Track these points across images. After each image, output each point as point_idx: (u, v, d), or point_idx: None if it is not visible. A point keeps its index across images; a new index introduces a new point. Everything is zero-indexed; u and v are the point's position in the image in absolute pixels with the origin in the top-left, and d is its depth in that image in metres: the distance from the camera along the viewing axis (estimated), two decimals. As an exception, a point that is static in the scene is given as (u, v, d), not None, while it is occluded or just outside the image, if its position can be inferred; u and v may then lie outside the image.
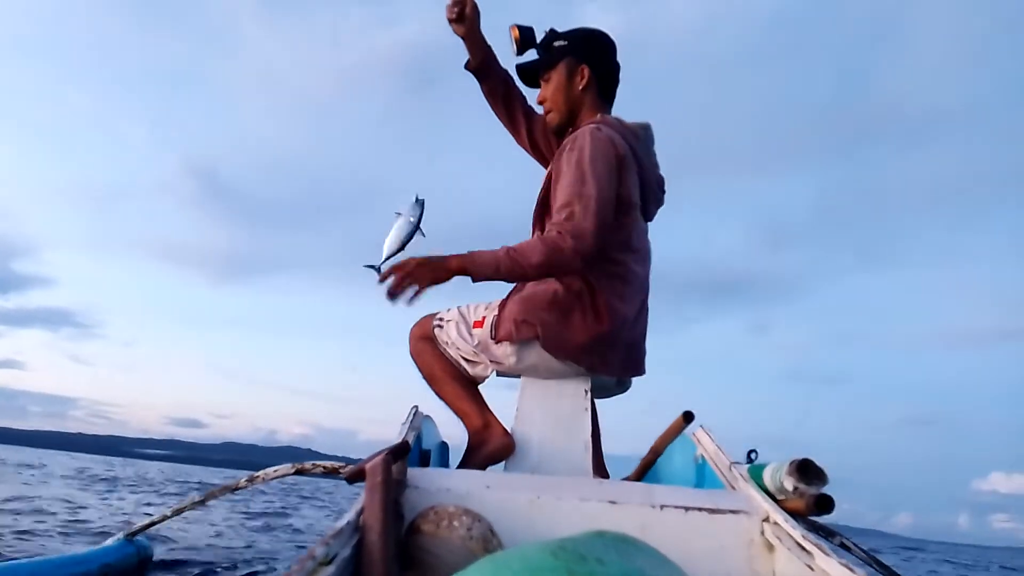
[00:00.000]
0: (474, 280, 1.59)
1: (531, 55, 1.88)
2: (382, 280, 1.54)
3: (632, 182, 1.68)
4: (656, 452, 2.06)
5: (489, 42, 1.94)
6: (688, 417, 1.99)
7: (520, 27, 1.83)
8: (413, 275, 1.54)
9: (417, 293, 1.56)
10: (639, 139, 1.75)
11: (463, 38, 1.90)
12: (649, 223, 1.85)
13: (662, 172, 1.86)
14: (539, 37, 1.84)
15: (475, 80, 1.98)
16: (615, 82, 1.86)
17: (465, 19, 1.85)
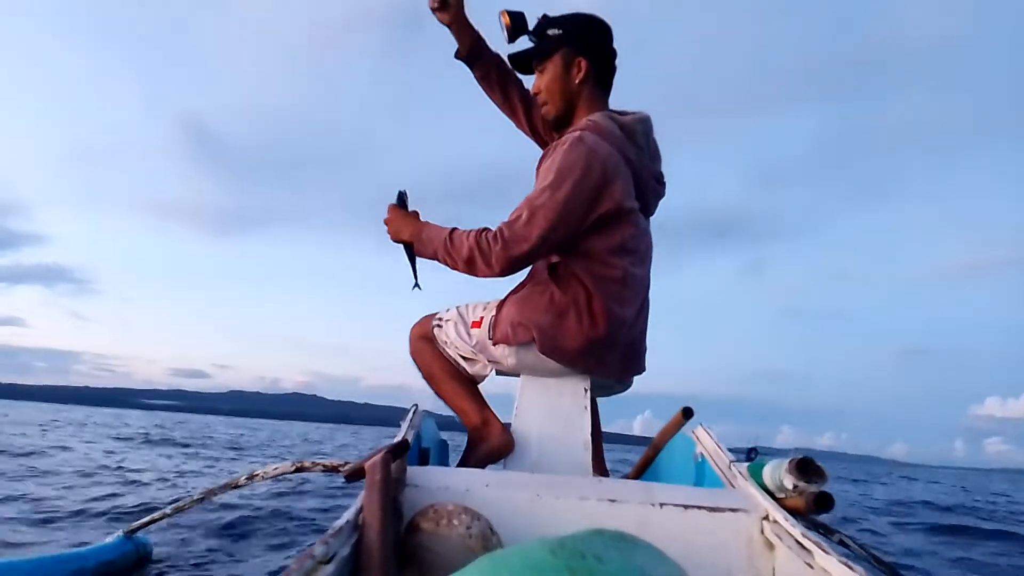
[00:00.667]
0: (418, 254, 1.71)
1: (523, 42, 1.80)
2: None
3: (623, 188, 1.61)
4: (656, 449, 2.06)
5: (478, 27, 1.89)
6: (687, 413, 1.99)
7: (510, 12, 1.75)
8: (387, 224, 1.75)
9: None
10: (634, 135, 1.68)
11: (448, 26, 1.86)
12: (651, 217, 1.82)
13: (659, 159, 1.80)
14: (531, 23, 1.77)
15: (466, 67, 1.94)
16: (613, 71, 1.79)
17: (449, 6, 1.81)
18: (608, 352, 1.67)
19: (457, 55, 1.92)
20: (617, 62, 1.80)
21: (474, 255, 1.57)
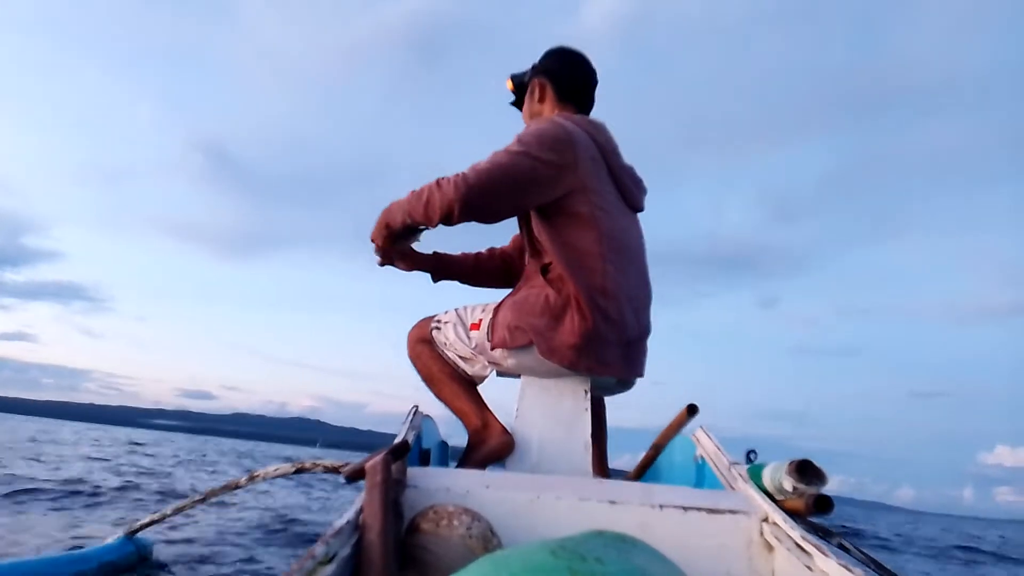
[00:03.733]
0: (397, 232, 1.70)
1: None
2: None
3: (594, 170, 1.67)
4: (658, 448, 2.05)
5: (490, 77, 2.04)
6: (692, 410, 1.98)
7: (514, 77, 1.98)
8: (374, 241, 1.77)
9: (381, 255, 1.82)
10: (603, 131, 1.77)
11: (410, 269, 1.97)
12: (640, 213, 1.85)
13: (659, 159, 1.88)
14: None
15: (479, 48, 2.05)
16: (577, 85, 1.89)
17: (395, 258, 1.87)
18: (605, 351, 1.66)
19: (433, 280, 2.09)
20: (597, 81, 1.92)
21: (433, 194, 1.54)
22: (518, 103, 2.01)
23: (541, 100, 1.89)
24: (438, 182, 1.56)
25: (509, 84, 2.00)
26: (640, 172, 1.88)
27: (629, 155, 1.85)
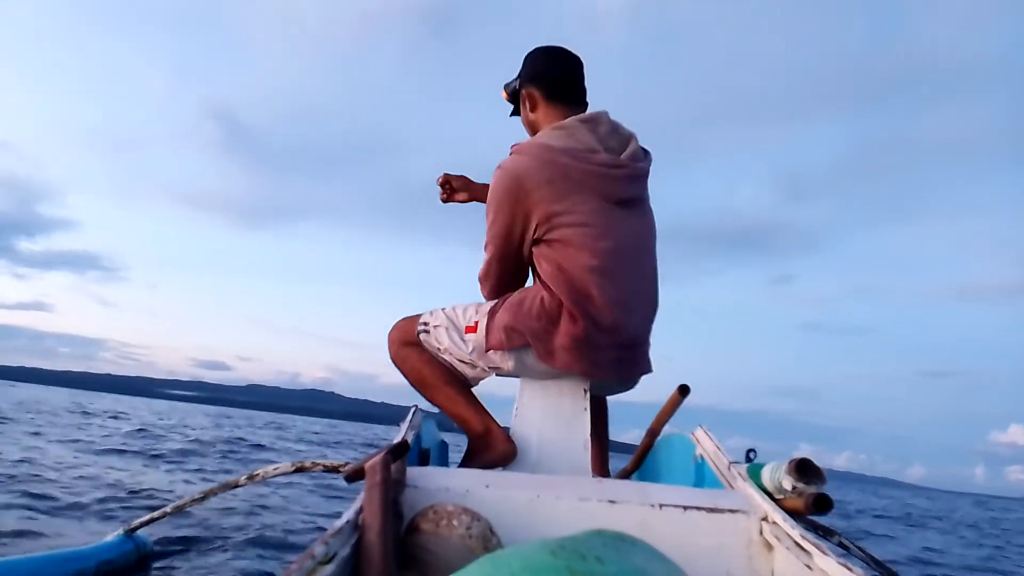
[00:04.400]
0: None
1: None
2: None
3: (554, 193, 1.64)
4: (653, 434, 2.04)
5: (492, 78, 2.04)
6: (684, 391, 1.97)
7: (506, 87, 2.00)
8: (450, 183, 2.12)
9: (445, 200, 2.12)
10: (575, 132, 1.70)
11: (469, 202, 2.13)
12: (632, 201, 1.76)
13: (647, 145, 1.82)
14: None
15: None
16: (562, 83, 1.86)
17: (457, 191, 2.13)
18: (600, 355, 1.65)
19: None
20: (583, 71, 1.90)
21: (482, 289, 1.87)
22: (517, 112, 2.00)
23: (533, 109, 1.88)
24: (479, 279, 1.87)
25: (504, 95, 2.01)
26: (652, 148, 1.83)
27: (641, 132, 1.81)
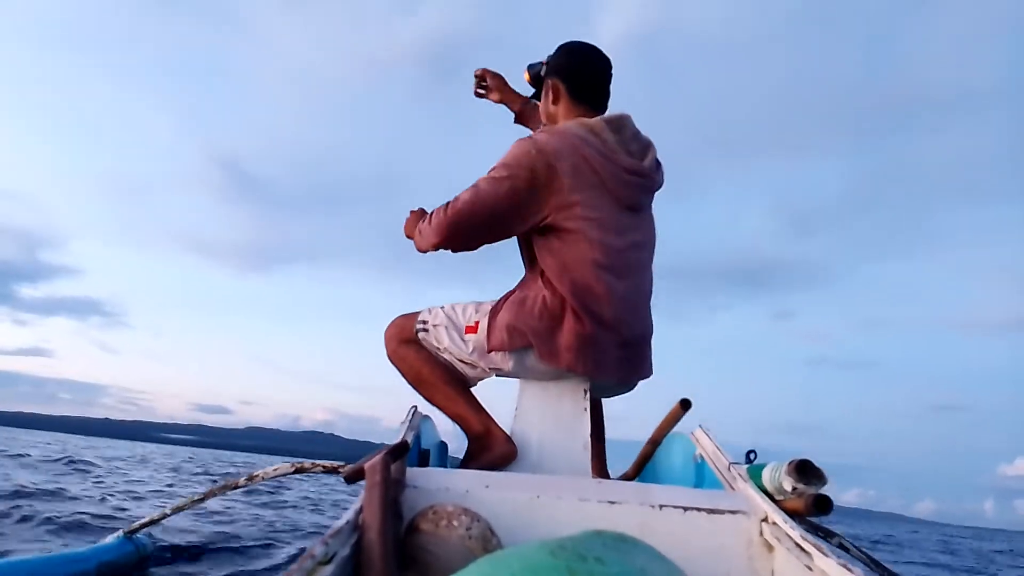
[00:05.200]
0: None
1: None
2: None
3: (578, 181, 1.63)
4: (654, 443, 2.04)
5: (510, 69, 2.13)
6: (685, 405, 1.96)
7: (530, 68, 1.99)
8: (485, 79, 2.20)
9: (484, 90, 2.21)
10: (599, 132, 1.70)
11: (499, 103, 2.19)
12: (640, 209, 1.78)
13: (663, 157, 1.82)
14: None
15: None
16: (590, 84, 1.85)
17: (491, 90, 2.17)
18: (603, 354, 1.65)
19: (516, 120, 2.22)
20: (611, 74, 1.88)
21: (422, 231, 1.72)
22: (538, 96, 1.99)
23: (555, 102, 1.85)
24: (430, 216, 1.69)
25: (526, 76, 2.00)
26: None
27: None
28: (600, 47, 1.88)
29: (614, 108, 1.87)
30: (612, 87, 1.89)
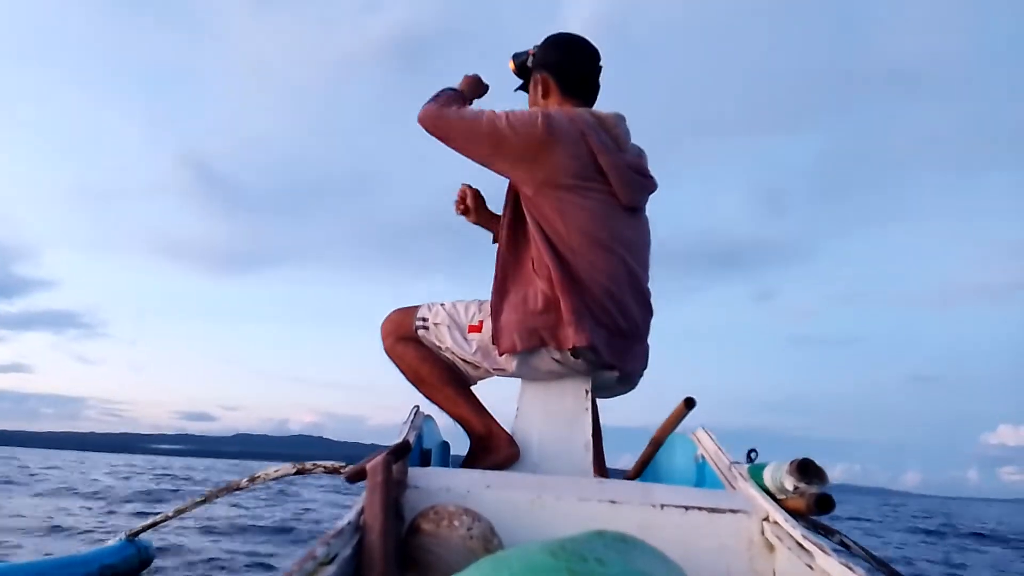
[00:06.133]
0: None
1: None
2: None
3: (572, 166, 1.63)
4: (657, 443, 2.03)
5: (491, 71, 2.01)
6: (690, 404, 1.94)
7: (515, 57, 1.94)
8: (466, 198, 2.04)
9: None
10: (607, 125, 1.70)
11: (475, 223, 2.07)
12: (637, 209, 1.77)
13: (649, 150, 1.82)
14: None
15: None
16: (580, 78, 1.84)
17: (469, 211, 2.06)
18: (608, 338, 1.64)
19: (494, 241, 2.04)
20: (601, 66, 1.86)
21: (440, 98, 1.78)
22: (524, 87, 1.94)
23: (545, 96, 1.83)
24: (443, 98, 1.78)
25: (511, 65, 1.94)
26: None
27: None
28: (567, 29, 1.88)
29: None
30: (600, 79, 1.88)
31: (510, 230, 1.75)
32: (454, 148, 1.73)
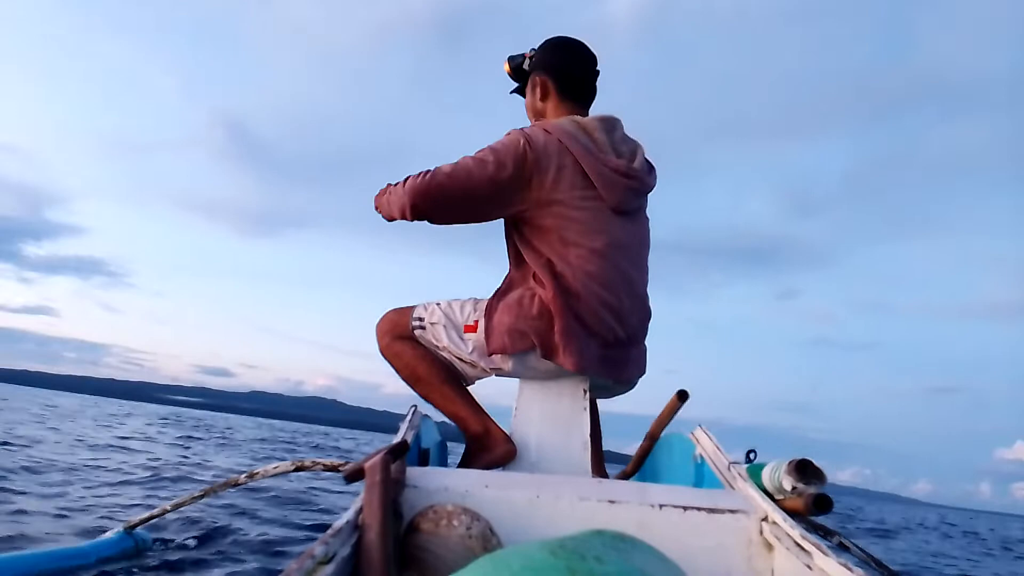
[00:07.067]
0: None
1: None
2: None
3: (561, 180, 1.63)
4: (653, 438, 2.03)
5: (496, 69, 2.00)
6: (683, 396, 1.94)
7: (511, 59, 1.94)
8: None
9: None
10: (590, 131, 1.70)
11: None
12: (632, 211, 1.76)
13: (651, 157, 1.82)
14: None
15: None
16: (577, 80, 1.85)
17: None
18: (591, 352, 1.64)
19: None
20: (598, 70, 1.88)
21: (392, 195, 1.66)
22: (520, 90, 1.97)
23: (543, 98, 1.85)
24: (403, 181, 1.63)
25: (506, 67, 1.95)
26: (659, 163, 1.82)
27: (648, 145, 1.80)
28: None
29: (608, 111, 1.86)
30: (599, 83, 1.90)
31: (510, 244, 1.77)
32: (452, 216, 1.65)
